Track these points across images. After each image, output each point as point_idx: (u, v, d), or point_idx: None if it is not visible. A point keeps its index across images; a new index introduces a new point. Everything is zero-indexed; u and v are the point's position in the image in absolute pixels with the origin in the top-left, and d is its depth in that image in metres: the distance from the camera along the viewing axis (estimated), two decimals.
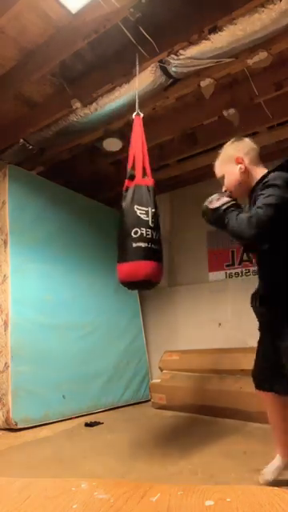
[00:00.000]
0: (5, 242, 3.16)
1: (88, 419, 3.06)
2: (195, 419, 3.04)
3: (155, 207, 2.05)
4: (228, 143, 1.73)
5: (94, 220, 3.97)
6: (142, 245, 1.96)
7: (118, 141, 3.48)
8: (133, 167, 2.11)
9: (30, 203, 3.41)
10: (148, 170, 2.12)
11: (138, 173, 2.08)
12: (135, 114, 2.25)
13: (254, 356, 1.77)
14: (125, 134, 3.28)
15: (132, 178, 2.08)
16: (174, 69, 2.50)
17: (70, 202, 3.82)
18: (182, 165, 3.91)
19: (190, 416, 3.13)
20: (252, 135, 3.35)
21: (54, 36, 2.40)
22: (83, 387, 3.33)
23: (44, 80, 2.79)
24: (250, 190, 1.61)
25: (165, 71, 2.53)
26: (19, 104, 3.05)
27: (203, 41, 2.29)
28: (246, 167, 1.61)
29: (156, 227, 2.03)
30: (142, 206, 2.01)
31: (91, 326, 3.62)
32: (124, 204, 2.04)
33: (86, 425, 2.92)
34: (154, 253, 1.99)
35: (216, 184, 1.81)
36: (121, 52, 2.51)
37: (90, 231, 3.88)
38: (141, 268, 1.97)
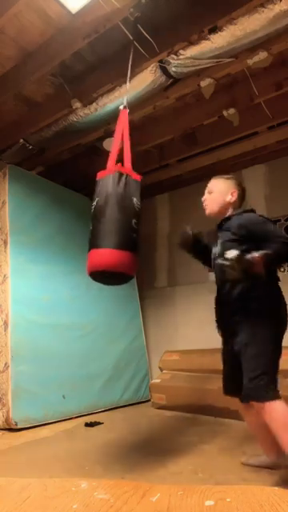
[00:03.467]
0: (5, 242, 3.16)
1: (88, 419, 3.06)
2: (195, 419, 3.03)
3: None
4: (234, 177, 1.95)
5: None
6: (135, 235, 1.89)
7: None
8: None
9: (30, 203, 3.41)
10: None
11: (128, 163, 2.03)
12: (122, 106, 2.17)
13: None
14: None
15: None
16: (173, 69, 2.50)
17: (70, 202, 3.81)
18: (182, 165, 3.91)
19: (190, 416, 3.13)
20: (252, 135, 3.37)
21: (54, 36, 2.40)
22: (83, 387, 3.32)
23: (44, 80, 2.79)
24: (221, 219, 1.88)
25: (165, 71, 2.53)
26: (19, 104, 3.05)
27: (203, 41, 2.29)
28: (234, 201, 1.87)
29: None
30: (137, 198, 1.96)
31: (91, 325, 3.62)
32: (118, 189, 1.95)
33: (86, 425, 2.92)
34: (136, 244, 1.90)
35: None
36: (121, 52, 2.50)
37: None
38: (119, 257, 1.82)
